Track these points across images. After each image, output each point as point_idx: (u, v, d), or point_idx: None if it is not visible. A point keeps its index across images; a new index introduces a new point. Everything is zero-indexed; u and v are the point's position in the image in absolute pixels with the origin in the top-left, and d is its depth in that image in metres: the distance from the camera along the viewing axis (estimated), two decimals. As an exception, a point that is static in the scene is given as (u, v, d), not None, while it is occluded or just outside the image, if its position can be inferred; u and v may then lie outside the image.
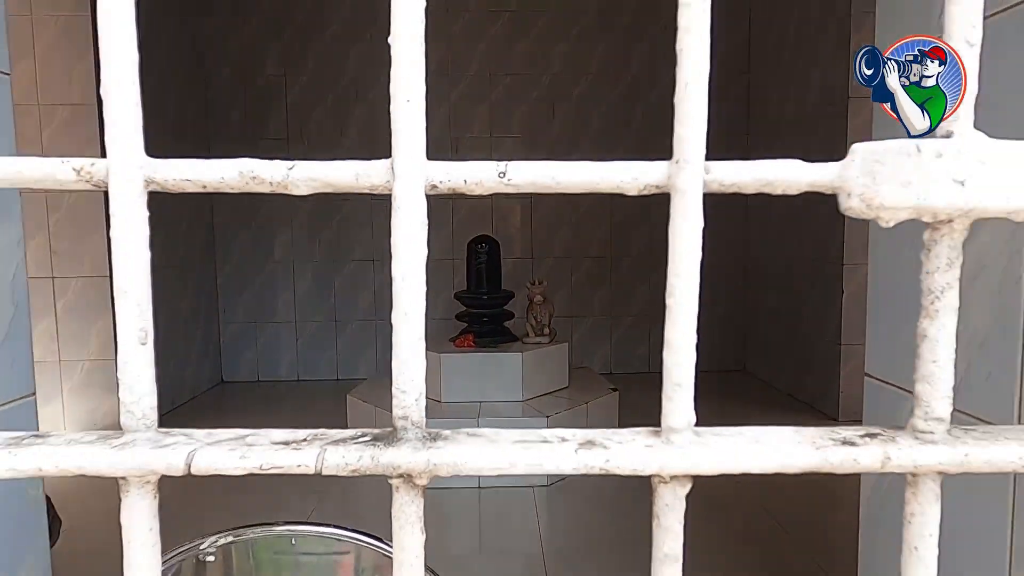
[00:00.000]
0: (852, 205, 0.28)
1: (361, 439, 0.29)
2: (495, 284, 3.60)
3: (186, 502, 2.59)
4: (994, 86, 1.09)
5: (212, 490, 2.98)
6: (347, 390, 3.60)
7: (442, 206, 5.33)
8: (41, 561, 1.13)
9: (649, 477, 0.29)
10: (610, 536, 2.68)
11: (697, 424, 0.30)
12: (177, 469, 0.28)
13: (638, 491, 2.94)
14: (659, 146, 4.83)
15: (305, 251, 5.37)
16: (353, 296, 5.39)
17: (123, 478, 0.28)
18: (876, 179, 0.28)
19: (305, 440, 0.29)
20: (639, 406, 4.00)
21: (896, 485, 1.19)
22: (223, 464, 0.28)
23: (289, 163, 0.29)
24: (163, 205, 4.09)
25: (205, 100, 5.27)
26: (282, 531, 0.92)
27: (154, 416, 0.29)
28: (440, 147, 5.32)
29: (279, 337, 5.39)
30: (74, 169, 0.28)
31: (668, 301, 0.29)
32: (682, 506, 0.30)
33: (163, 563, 1.00)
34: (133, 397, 0.29)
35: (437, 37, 5.30)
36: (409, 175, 0.28)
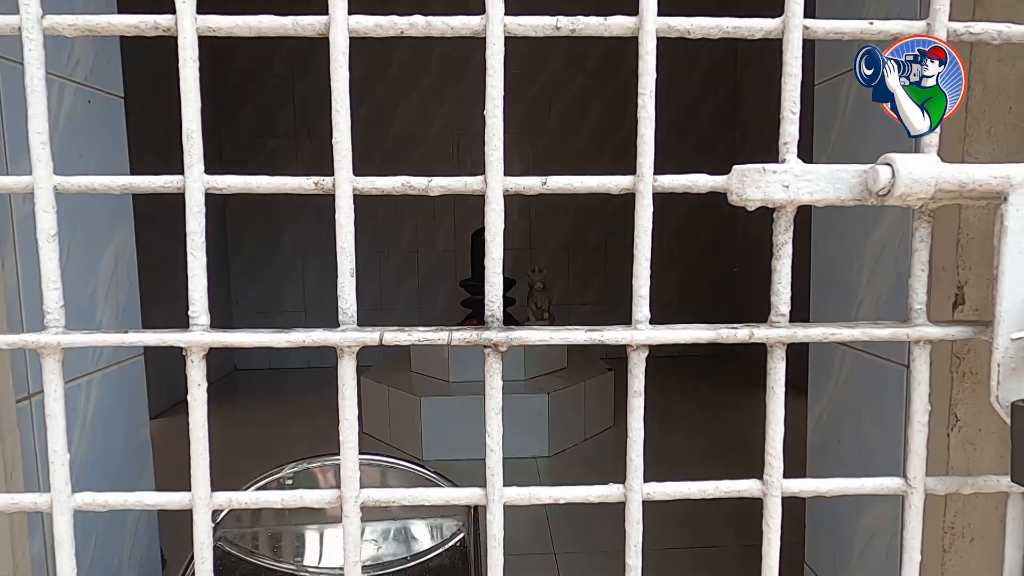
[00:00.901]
0: (733, 199, 0.53)
1: (470, 329, 0.54)
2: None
3: (272, 440, 2.85)
4: (826, 132, 1.38)
5: (291, 427, 3.24)
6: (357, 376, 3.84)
7: (445, 201, 5.57)
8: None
9: (625, 347, 0.54)
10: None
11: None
12: (374, 341, 0.52)
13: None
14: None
15: (314, 243, 5.60)
16: (359, 287, 5.63)
17: (339, 348, 0.53)
18: (744, 185, 0.52)
19: (441, 328, 0.53)
20: (658, 376, 4.26)
21: (833, 430, 1.44)
22: (400, 339, 0.52)
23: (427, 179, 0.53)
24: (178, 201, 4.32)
25: (214, 99, 5.49)
26: (369, 460, 1.16)
27: (354, 313, 0.54)
28: (443, 143, 5.55)
29: (290, 326, 5.63)
30: (314, 183, 0.53)
31: (635, 253, 0.53)
32: (643, 364, 0.54)
33: (250, 487, 1.24)
34: (345, 305, 0.53)
35: (441, 41, 5.51)
36: (495, 185, 0.53)
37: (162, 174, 0.52)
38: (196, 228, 0.51)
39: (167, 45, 0.55)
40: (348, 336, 0.52)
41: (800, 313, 0.61)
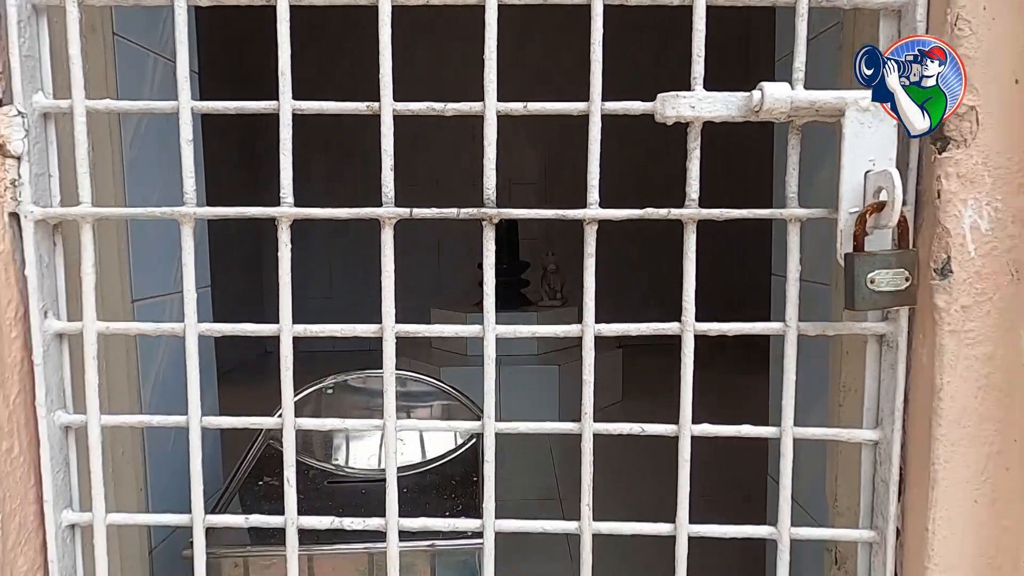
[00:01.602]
0: (657, 117, 0.75)
1: (472, 208, 0.77)
2: (514, 256, 4.07)
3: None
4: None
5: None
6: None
7: (467, 191, 5.79)
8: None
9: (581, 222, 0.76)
10: (619, 470, 3.14)
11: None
12: (406, 214, 0.75)
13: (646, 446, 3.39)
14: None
15: (341, 226, 5.86)
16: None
17: (382, 219, 0.76)
18: (664, 107, 0.74)
19: (453, 208, 0.77)
20: (638, 364, 4.45)
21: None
22: (424, 214, 0.75)
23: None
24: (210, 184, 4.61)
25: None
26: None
27: (392, 197, 0.77)
28: (459, 133, 5.79)
29: (317, 309, 5.91)
30: (366, 106, 0.76)
31: (589, 146, 0.76)
32: (594, 234, 0.76)
33: (296, 395, 1.48)
34: (387, 189, 0.76)
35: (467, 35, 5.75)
36: (491, 106, 0.75)
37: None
38: (286, 136, 0.75)
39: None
40: (389, 210, 0.76)
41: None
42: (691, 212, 0.76)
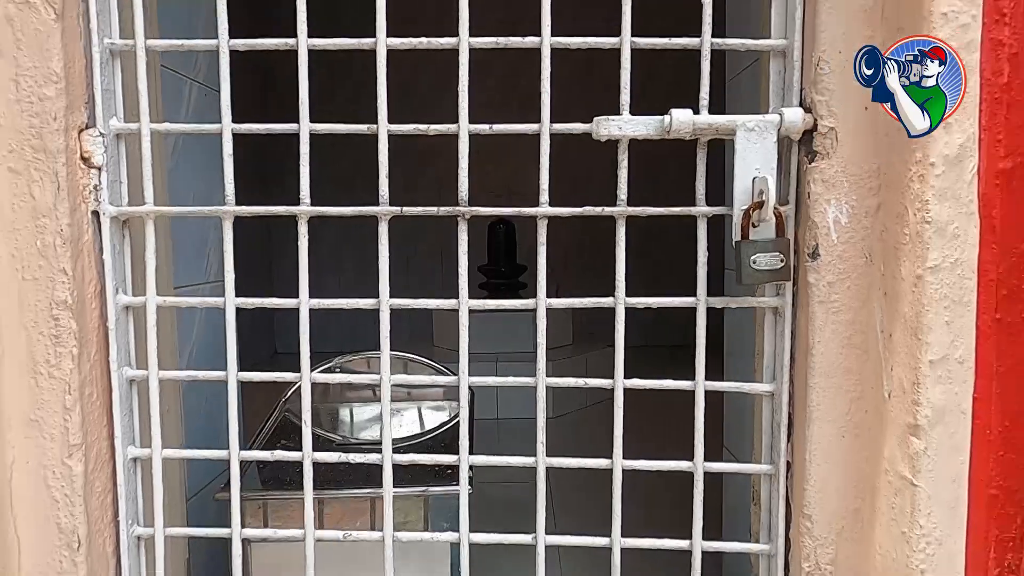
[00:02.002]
0: (594, 136, 0.96)
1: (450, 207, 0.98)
2: (511, 259, 4.29)
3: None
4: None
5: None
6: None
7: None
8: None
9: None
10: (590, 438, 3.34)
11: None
12: (397, 212, 0.97)
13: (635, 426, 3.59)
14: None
15: (353, 232, 6.10)
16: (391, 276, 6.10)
17: (379, 216, 0.97)
18: (599, 127, 0.95)
19: (435, 207, 0.98)
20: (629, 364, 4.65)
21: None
22: (416, 211, 0.97)
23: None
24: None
25: (264, 105, 6.03)
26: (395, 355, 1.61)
27: (387, 196, 0.98)
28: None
29: (327, 313, 6.12)
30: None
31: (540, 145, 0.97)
32: (544, 228, 0.97)
33: (314, 370, 1.68)
34: (383, 191, 0.98)
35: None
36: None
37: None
38: (305, 138, 0.96)
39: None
40: (384, 209, 0.97)
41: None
42: (620, 210, 0.97)
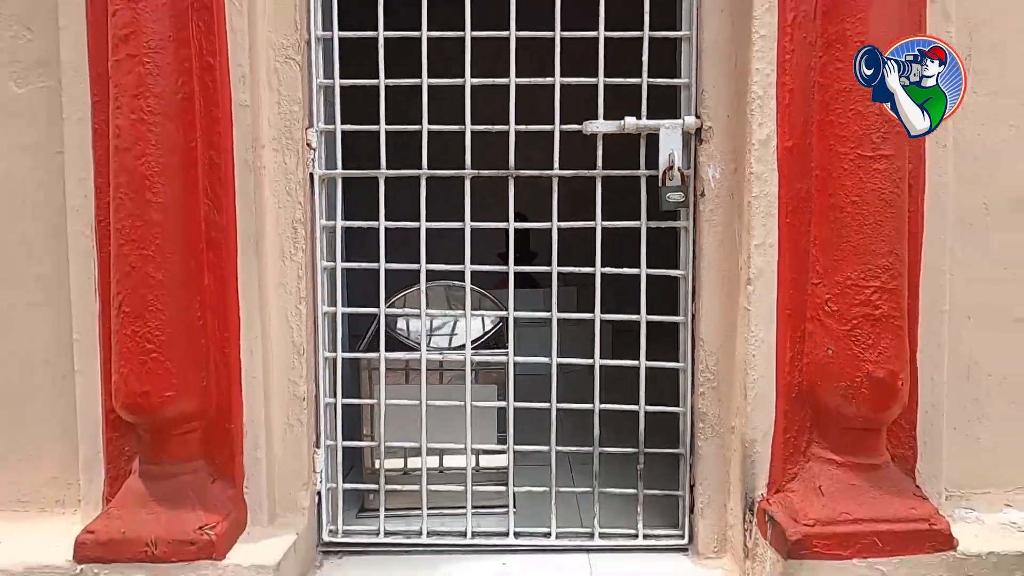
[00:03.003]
0: (584, 132, 1.74)
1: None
2: (525, 246, 5.08)
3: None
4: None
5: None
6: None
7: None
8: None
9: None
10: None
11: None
12: (475, 173, 1.76)
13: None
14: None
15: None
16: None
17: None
18: (586, 127, 1.74)
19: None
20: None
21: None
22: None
23: (491, 126, 1.77)
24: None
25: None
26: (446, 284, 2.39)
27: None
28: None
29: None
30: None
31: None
32: (556, 189, 1.76)
33: (391, 303, 2.46)
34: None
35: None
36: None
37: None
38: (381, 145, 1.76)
39: (414, 86, 1.79)
40: (425, 172, 1.76)
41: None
42: (597, 172, 1.76)
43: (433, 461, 2.02)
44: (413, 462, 2.02)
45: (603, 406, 1.84)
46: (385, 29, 1.75)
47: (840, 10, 1.47)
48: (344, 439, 1.87)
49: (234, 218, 1.62)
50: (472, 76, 1.75)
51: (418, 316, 2.17)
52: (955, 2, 1.57)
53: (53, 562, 1.53)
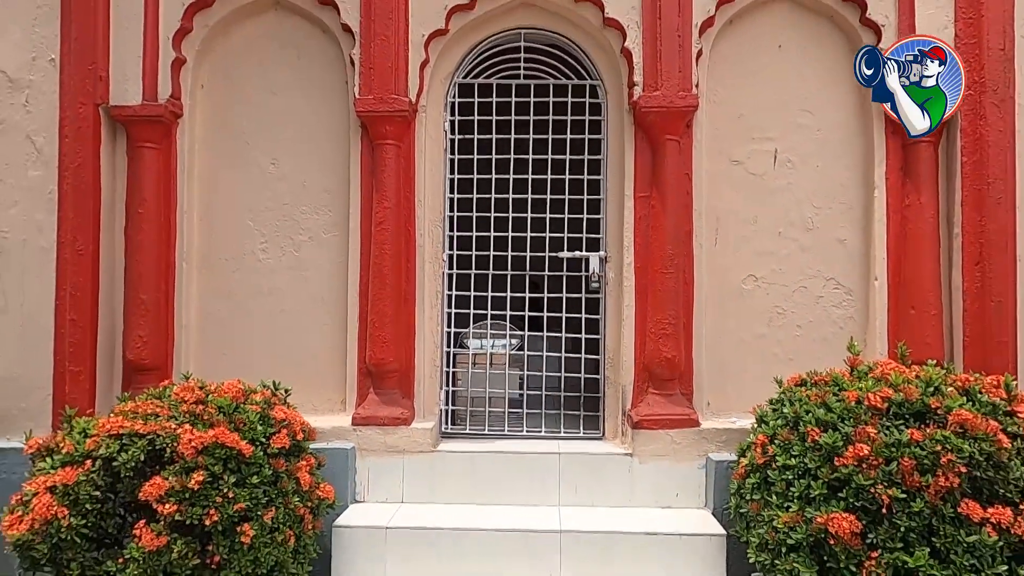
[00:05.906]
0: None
1: (524, 271, 4.16)
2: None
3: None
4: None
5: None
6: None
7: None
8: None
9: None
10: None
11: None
12: (512, 272, 4.14)
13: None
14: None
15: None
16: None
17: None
18: None
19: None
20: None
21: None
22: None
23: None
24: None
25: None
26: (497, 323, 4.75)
27: (509, 269, 4.16)
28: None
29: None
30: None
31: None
32: (547, 276, 4.13)
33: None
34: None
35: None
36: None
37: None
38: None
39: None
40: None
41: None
42: (546, 273, 4.14)
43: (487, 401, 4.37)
44: (478, 401, 4.36)
45: (566, 374, 4.17)
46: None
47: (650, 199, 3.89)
48: (451, 387, 4.21)
49: (414, 287, 4.02)
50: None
51: (485, 336, 4.52)
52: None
53: (343, 424, 3.87)
